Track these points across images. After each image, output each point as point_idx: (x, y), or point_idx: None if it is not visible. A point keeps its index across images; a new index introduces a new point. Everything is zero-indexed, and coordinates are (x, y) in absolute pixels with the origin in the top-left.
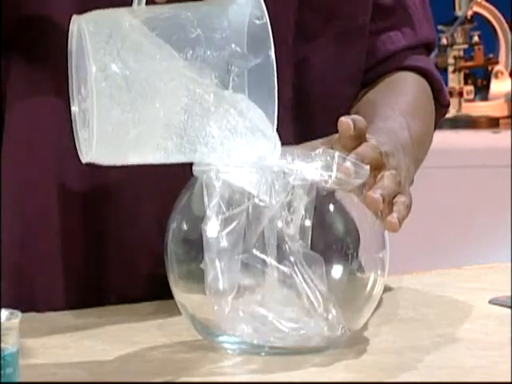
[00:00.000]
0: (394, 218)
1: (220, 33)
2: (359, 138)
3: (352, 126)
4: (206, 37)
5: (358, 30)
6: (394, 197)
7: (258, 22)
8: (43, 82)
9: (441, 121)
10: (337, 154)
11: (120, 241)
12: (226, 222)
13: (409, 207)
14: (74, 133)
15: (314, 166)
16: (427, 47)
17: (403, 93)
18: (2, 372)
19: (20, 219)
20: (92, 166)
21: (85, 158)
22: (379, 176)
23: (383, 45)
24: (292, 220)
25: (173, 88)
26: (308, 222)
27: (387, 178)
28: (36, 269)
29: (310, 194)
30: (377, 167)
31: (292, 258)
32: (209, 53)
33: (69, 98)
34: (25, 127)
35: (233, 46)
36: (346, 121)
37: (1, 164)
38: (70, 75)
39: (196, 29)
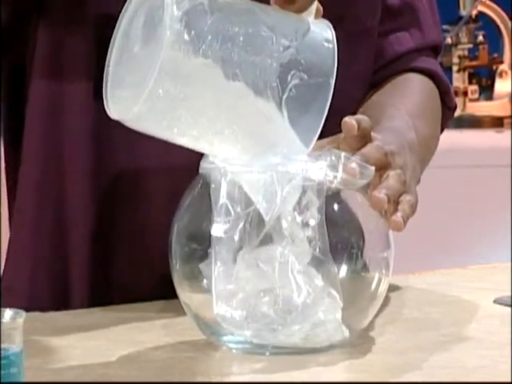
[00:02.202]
0: (398, 217)
1: (290, 41)
2: (364, 138)
3: (356, 126)
4: (276, 41)
5: (365, 32)
6: (399, 196)
7: (326, 44)
8: (71, 47)
9: (447, 123)
10: (342, 154)
11: (126, 241)
12: (231, 223)
13: (414, 206)
14: (104, 90)
15: (319, 165)
16: (434, 50)
17: (410, 94)
18: (7, 372)
19: (32, 220)
20: (102, 166)
21: (113, 114)
22: (384, 176)
23: (391, 46)
24: (308, 224)
25: (235, 88)
26: (323, 225)
27: (392, 178)
28: (43, 269)
29: (320, 196)
30: (382, 167)
31: (300, 258)
32: (274, 55)
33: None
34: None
35: (298, 58)
36: (349, 121)
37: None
38: (116, 31)
39: (268, 30)
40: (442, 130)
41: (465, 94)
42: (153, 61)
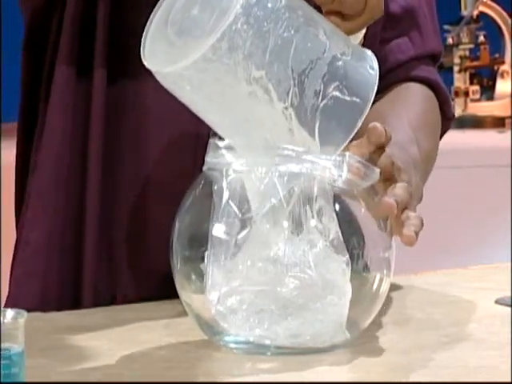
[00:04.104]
0: (410, 230)
1: (341, 54)
2: (379, 149)
3: (384, 133)
4: (329, 48)
5: (368, 39)
6: (404, 209)
7: (370, 71)
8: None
9: (444, 133)
10: (348, 154)
11: (128, 241)
12: (233, 224)
13: (422, 222)
14: (143, 41)
15: (324, 164)
16: (433, 58)
17: (411, 105)
18: (8, 372)
19: (42, 222)
20: (108, 168)
21: (149, 64)
22: (391, 187)
23: (392, 54)
24: (330, 230)
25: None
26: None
27: (399, 188)
28: (47, 269)
29: (330, 198)
30: (387, 175)
31: (311, 259)
32: (325, 61)
33: None
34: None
35: (345, 72)
36: (380, 128)
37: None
38: None
39: (324, 36)
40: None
41: (466, 94)
42: (214, 27)
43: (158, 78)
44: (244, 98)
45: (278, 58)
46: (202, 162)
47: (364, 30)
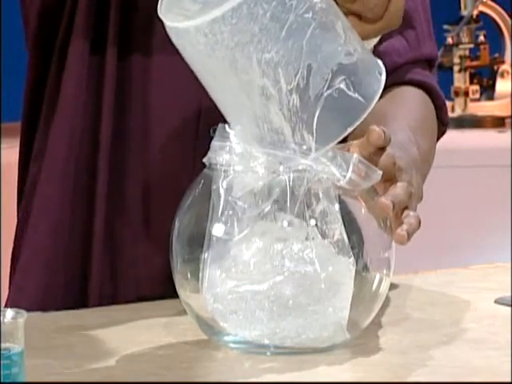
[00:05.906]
0: (403, 230)
1: (354, 51)
2: (380, 150)
3: (382, 135)
4: (344, 42)
5: None
6: (404, 208)
7: (378, 75)
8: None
9: (439, 138)
10: (354, 155)
11: (128, 241)
12: (232, 223)
13: (420, 223)
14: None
15: (328, 164)
16: (429, 63)
17: (410, 107)
18: (8, 372)
19: (45, 223)
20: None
21: (165, 19)
22: (391, 187)
23: (389, 56)
24: (334, 230)
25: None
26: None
27: (399, 188)
28: (49, 270)
29: (335, 198)
30: (388, 176)
31: (317, 260)
32: (338, 52)
33: None
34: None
35: (354, 69)
36: (378, 130)
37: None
38: None
39: (341, 28)
40: None
41: (466, 94)
42: None
43: (172, 35)
44: (252, 86)
45: (294, 36)
46: (203, 156)
47: (377, 39)
